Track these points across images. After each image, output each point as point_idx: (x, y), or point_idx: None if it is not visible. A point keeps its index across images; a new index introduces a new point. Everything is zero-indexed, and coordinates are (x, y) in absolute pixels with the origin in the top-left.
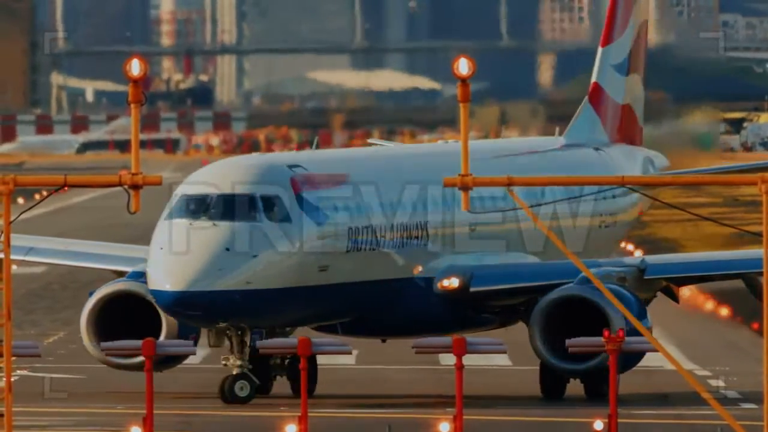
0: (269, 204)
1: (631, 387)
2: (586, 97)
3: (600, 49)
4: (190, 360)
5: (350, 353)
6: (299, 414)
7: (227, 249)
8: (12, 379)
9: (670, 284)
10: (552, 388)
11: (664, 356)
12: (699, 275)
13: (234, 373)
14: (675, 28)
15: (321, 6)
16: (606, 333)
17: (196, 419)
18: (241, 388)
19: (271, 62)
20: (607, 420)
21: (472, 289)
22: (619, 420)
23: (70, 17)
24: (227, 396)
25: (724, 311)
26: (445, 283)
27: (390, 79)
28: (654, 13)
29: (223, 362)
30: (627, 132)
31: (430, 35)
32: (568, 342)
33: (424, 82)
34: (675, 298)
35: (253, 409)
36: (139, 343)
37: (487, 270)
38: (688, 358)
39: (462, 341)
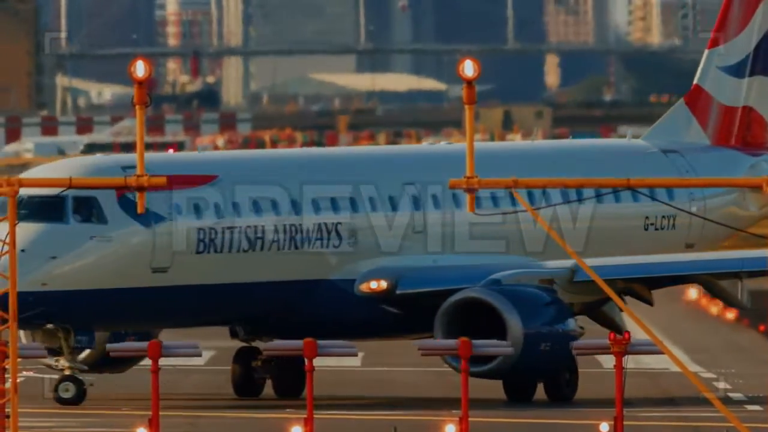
0: (83, 205)
1: (637, 389)
2: (682, 99)
3: (706, 51)
4: (195, 362)
5: (356, 355)
6: (305, 416)
7: (22, 251)
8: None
9: (634, 286)
10: (516, 392)
11: (670, 358)
12: (645, 277)
13: (64, 374)
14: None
15: (326, 8)
16: (611, 335)
17: (201, 421)
18: (66, 390)
19: (276, 64)
20: (612, 422)
21: (398, 292)
22: (625, 422)
23: (74, 19)
24: (55, 398)
25: (730, 313)
26: (373, 285)
27: (395, 81)
28: (657, 16)
29: (54, 364)
30: (744, 136)
31: (436, 37)
32: (573, 344)
33: (430, 84)
34: (648, 301)
35: (258, 411)
36: (144, 344)
37: (416, 272)
38: (693, 361)
39: (467, 343)
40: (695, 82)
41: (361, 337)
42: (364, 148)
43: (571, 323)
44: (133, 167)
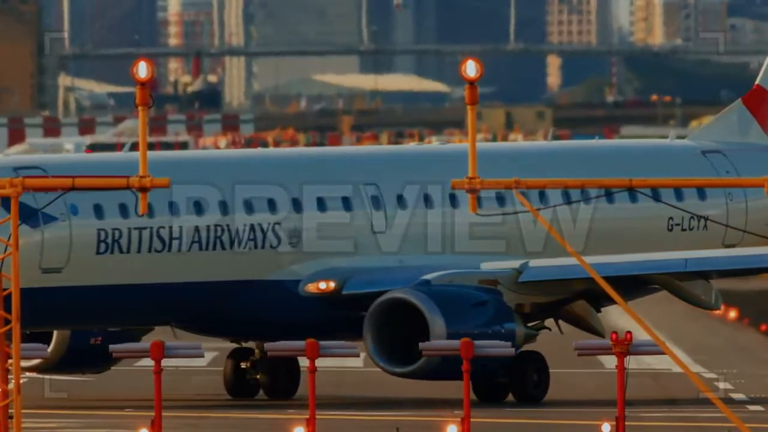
0: None
1: (639, 389)
2: (739, 100)
3: None
4: (198, 363)
5: (358, 356)
6: (307, 416)
7: None
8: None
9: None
10: (485, 392)
11: (672, 358)
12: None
13: None
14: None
15: (328, 9)
16: (613, 335)
17: (204, 422)
18: None
19: (278, 64)
20: (614, 422)
21: (344, 292)
22: (627, 422)
23: (77, 20)
24: None
25: (732, 313)
26: (322, 285)
27: (397, 82)
28: (660, 17)
29: None
30: None
31: (438, 38)
32: (575, 344)
33: (432, 85)
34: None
35: (261, 412)
36: (147, 345)
37: (365, 273)
38: (695, 361)
39: (469, 344)
40: (757, 82)
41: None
42: (330, 149)
43: (510, 324)
44: (28, 168)
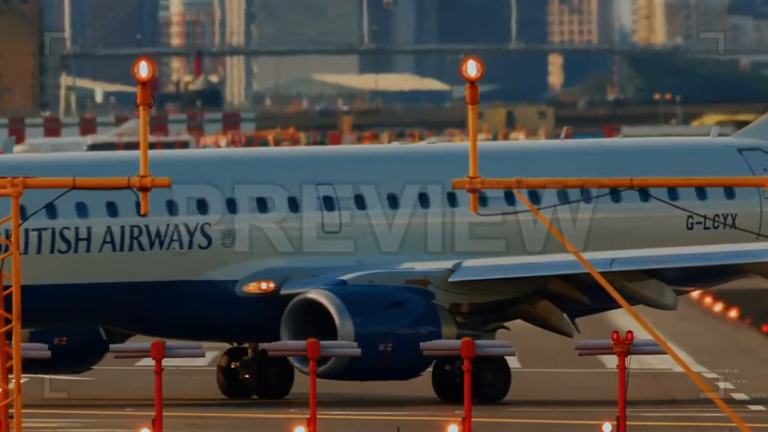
0: None
1: (640, 389)
2: None
3: None
4: (198, 362)
5: (359, 355)
6: (308, 416)
7: None
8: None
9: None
10: (444, 390)
11: (673, 358)
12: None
13: None
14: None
15: (329, 8)
16: (614, 335)
17: (204, 421)
18: None
19: (279, 64)
20: (615, 422)
21: (282, 292)
22: (628, 422)
23: (78, 19)
24: None
25: (733, 313)
26: (263, 286)
27: (398, 81)
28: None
29: None
30: None
31: (439, 37)
32: (576, 344)
33: (432, 84)
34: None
35: (262, 411)
36: (147, 344)
37: (303, 274)
38: (696, 361)
39: (471, 343)
40: None
41: (248, 339)
42: (280, 149)
43: (432, 326)
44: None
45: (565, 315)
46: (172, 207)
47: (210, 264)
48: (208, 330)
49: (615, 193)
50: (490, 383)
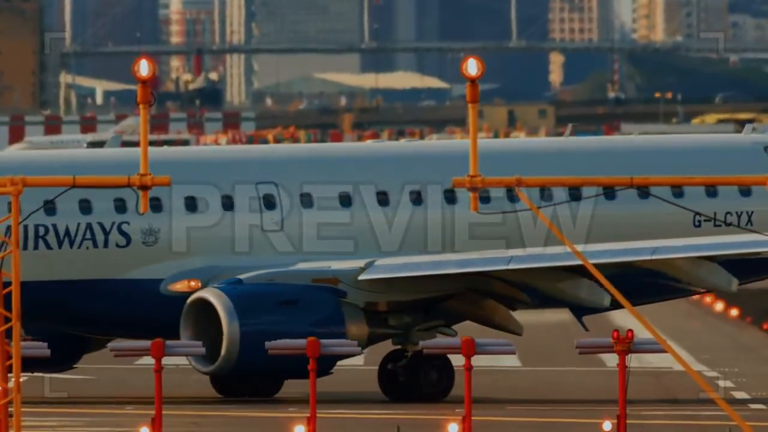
0: None
1: (640, 388)
2: None
3: None
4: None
5: (360, 354)
6: (308, 414)
7: None
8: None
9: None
10: (390, 389)
11: (673, 357)
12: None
13: None
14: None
15: (329, 6)
16: (615, 334)
17: (204, 420)
18: None
19: (279, 62)
20: (615, 421)
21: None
22: (628, 421)
23: (78, 18)
24: None
25: (734, 312)
26: (192, 284)
27: (399, 80)
28: (662, 14)
29: None
30: None
31: (440, 36)
32: (577, 342)
33: (433, 83)
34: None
35: (261, 410)
36: (147, 343)
37: (230, 272)
38: (696, 360)
39: (471, 342)
40: None
41: (172, 338)
42: (218, 148)
43: (335, 324)
44: None
45: (511, 313)
46: (85, 206)
47: (132, 263)
48: (132, 328)
49: (615, 191)
50: (433, 381)
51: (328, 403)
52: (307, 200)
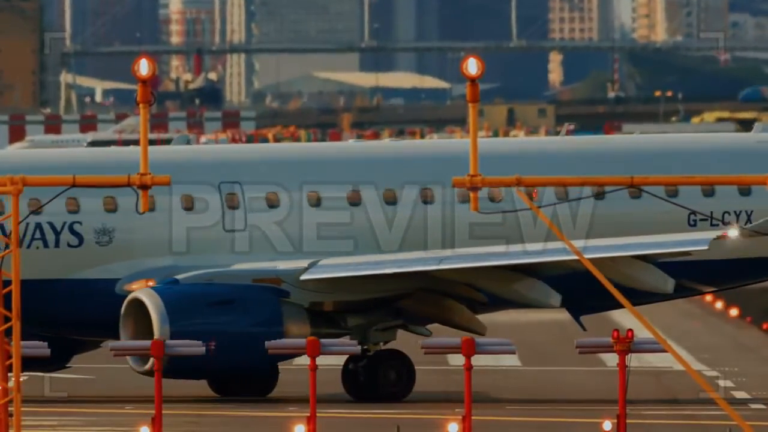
0: None
1: (640, 387)
2: None
3: None
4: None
5: (359, 353)
6: (308, 414)
7: None
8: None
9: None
10: (353, 389)
11: (673, 356)
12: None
13: None
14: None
15: (329, 6)
16: (615, 333)
17: (204, 419)
18: None
19: (279, 62)
20: (615, 420)
21: None
22: (628, 420)
23: (78, 17)
24: None
25: (734, 311)
26: (150, 284)
27: (399, 79)
28: (662, 13)
29: None
30: None
31: (440, 35)
32: (577, 342)
33: (433, 82)
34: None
35: (261, 410)
36: (148, 343)
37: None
38: (696, 359)
39: (471, 342)
40: None
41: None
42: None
43: (271, 325)
44: None
45: (472, 313)
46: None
47: (86, 263)
48: (87, 328)
49: (606, 191)
50: (392, 381)
51: (328, 403)
52: (273, 200)
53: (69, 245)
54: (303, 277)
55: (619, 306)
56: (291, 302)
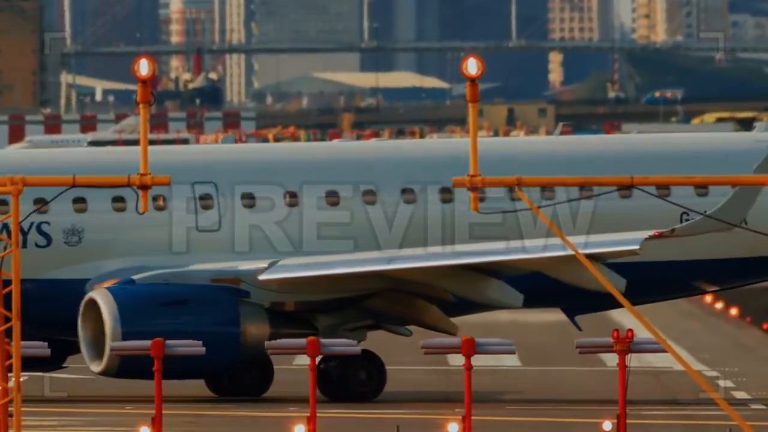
0: None
1: (640, 387)
2: None
3: None
4: None
5: (359, 354)
6: (308, 414)
7: None
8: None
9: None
10: (325, 388)
11: (673, 356)
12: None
13: None
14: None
15: (329, 6)
16: (615, 333)
17: (204, 419)
18: None
19: (279, 62)
20: (615, 420)
21: None
22: (628, 421)
23: (78, 18)
24: None
25: (734, 311)
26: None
27: (399, 79)
28: (662, 13)
29: None
30: None
31: (440, 35)
32: (577, 342)
33: (433, 82)
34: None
35: (261, 409)
36: (147, 343)
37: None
38: (696, 359)
39: (471, 342)
40: None
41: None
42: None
43: (225, 323)
44: None
45: (442, 312)
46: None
47: (55, 263)
48: (56, 328)
49: (590, 190)
50: (363, 381)
51: (328, 403)
52: (247, 200)
53: (37, 245)
54: (261, 277)
55: (582, 305)
56: (250, 302)
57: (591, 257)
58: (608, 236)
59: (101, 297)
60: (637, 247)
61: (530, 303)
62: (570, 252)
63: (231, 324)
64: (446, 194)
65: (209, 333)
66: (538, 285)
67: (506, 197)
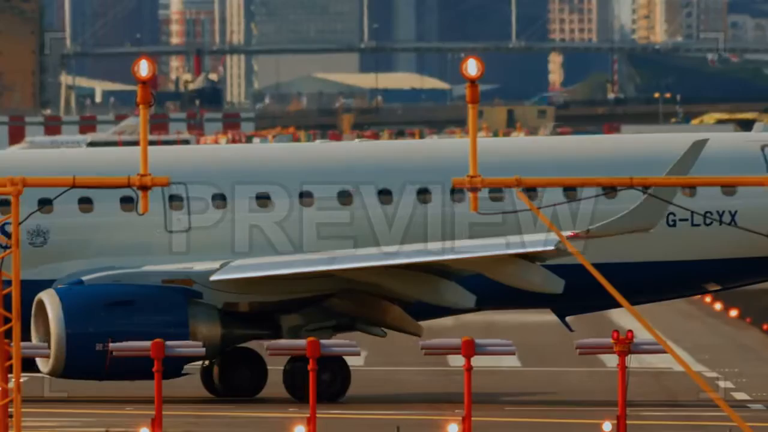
0: None
1: (640, 388)
2: None
3: None
4: (199, 362)
5: (359, 354)
6: (308, 415)
7: None
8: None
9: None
10: (293, 389)
11: (673, 357)
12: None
13: None
14: (682, 29)
15: (329, 6)
16: (615, 334)
17: (204, 420)
18: None
19: (279, 62)
20: (615, 421)
21: None
22: (628, 421)
23: (78, 18)
24: None
25: (734, 312)
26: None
27: (399, 80)
28: (662, 14)
29: None
30: None
31: (439, 36)
32: (576, 343)
33: (433, 83)
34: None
35: (261, 410)
36: (147, 344)
37: (124, 275)
38: (696, 360)
39: (471, 342)
40: None
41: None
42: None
43: (172, 324)
44: None
45: (405, 313)
46: None
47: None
48: (25, 329)
49: (572, 190)
50: (327, 382)
51: (328, 403)
52: (220, 200)
53: (1, 246)
54: (213, 278)
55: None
56: (201, 303)
57: (520, 257)
58: (535, 236)
59: (48, 298)
60: (552, 248)
61: (486, 303)
62: (495, 252)
63: (179, 325)
64: (424, 195)
65: (156, 334)
66: (493, 285)
67: (494, 198)
